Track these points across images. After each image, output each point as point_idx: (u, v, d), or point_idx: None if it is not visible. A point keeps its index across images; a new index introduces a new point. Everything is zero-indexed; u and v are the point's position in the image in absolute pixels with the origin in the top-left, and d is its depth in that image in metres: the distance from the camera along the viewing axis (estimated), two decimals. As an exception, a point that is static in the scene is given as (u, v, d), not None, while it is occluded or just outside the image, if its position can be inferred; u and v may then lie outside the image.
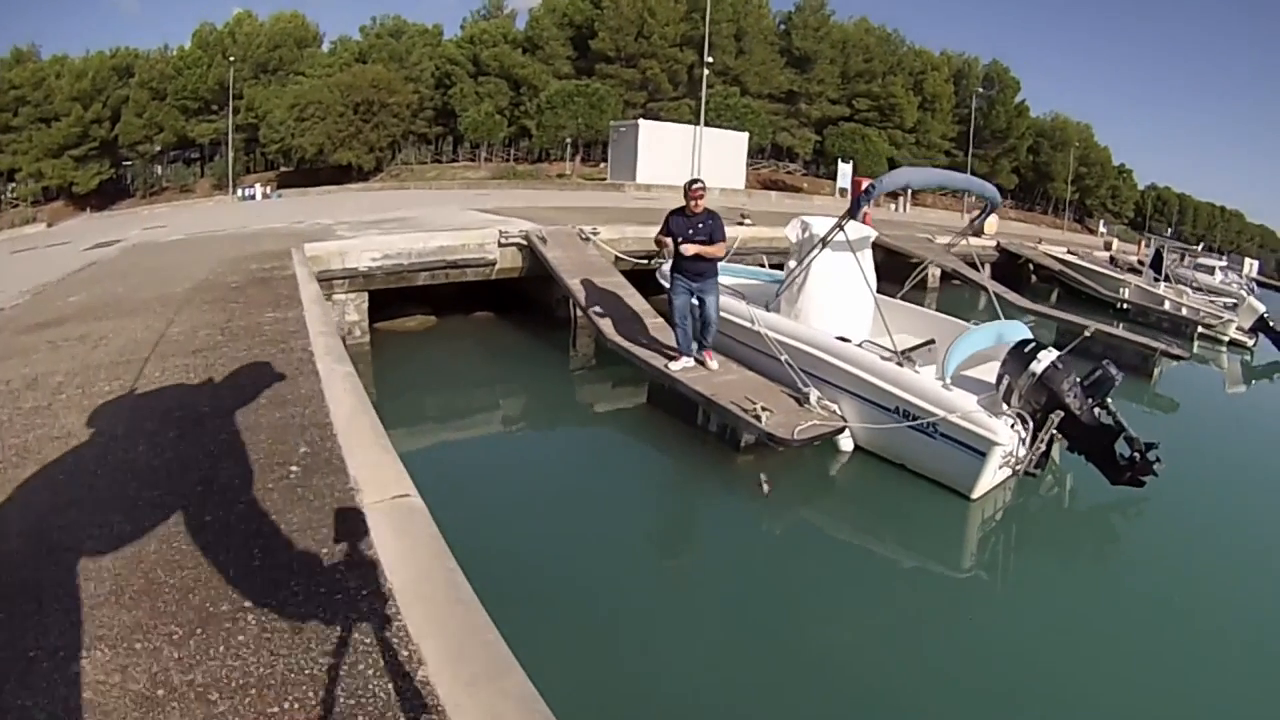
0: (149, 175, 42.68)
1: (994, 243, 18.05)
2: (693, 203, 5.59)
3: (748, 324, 6.31)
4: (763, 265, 8.94)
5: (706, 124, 30.82)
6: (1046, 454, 5.01)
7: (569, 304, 8.50)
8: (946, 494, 4.99)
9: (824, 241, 6.08)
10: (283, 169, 42.33)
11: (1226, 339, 13.19)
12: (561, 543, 4.29)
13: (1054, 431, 4.86)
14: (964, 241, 12.26)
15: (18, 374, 3.67)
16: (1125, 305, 14.67)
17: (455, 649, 1.59)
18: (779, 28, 46.35)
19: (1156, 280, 15.07)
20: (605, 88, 39.07)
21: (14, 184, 38.70)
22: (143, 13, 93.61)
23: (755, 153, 40.83)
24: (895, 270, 10.10)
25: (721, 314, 6.12)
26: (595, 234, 9.76)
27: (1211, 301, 14.38)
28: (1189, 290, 15.31)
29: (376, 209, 14.42)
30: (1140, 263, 18.95)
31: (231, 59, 38.49)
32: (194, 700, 1.44)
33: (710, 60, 29.79)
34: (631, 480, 5.52)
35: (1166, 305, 14.02)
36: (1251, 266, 26.64)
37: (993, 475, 4.89)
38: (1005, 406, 4.87)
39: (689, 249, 5.54)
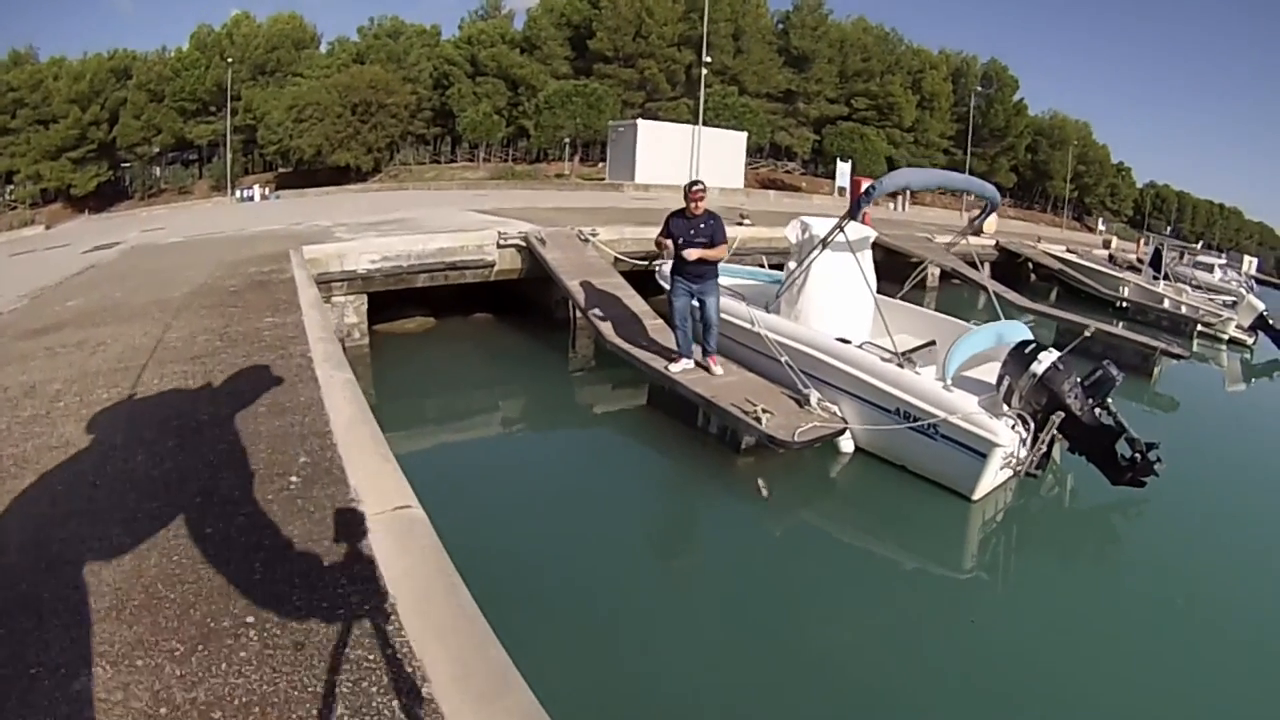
0: (147, 177, 42.69)
1: (993, 242, 18.04)
2: (693, 204, 5.57)
3: (747, 325, 6.30)
4: (762, 266, 8.92)
5: (705, 123, 30.82)
6: (1047, 455, 5.00)
7: (568, 305, 8.49)
8: (947, 495, 4.99)
9: (824, 243, 6.07)
10: (281, 170, 42.28)
11: (1226, 337, 13.19)
12: (562, 545, 4.29)
13: (1055, 432, 4.85)
14: (964, 241, 12.26)
15: (15, 381, 3.65)
16: (1125, 304, 14.65)
17: (460, 664, 1.58)
18: (777, 27, 46.38)
19: (1156, 278, 15.07)
20: (603, 88, 39.10)
21: (12, 186, 38.76)
22: (140, 14, 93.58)
23: (754, 152, 40.84)
24: (895, 270, 10.11)
25: (721, 315, 6.11)
26: (594, 235, 9.74)
27: (1211, 299, 14.39)
28: (1188, 288, 15.32)
29: (375, 210, 14.37)
30: (1139, 261, 19.00)
31: (229, 60, 38.43)
32: (197, 719, 1.43)
33: (708, 60, 29.75)
34: (632, 483, 5.51)
35: (1166, 304, 14.01)
36: (1251, 264, 26.56)
37: (994, 476, 4.89)
38: (1006, 407, 4.86)
39: (691, 254, 5.52)
